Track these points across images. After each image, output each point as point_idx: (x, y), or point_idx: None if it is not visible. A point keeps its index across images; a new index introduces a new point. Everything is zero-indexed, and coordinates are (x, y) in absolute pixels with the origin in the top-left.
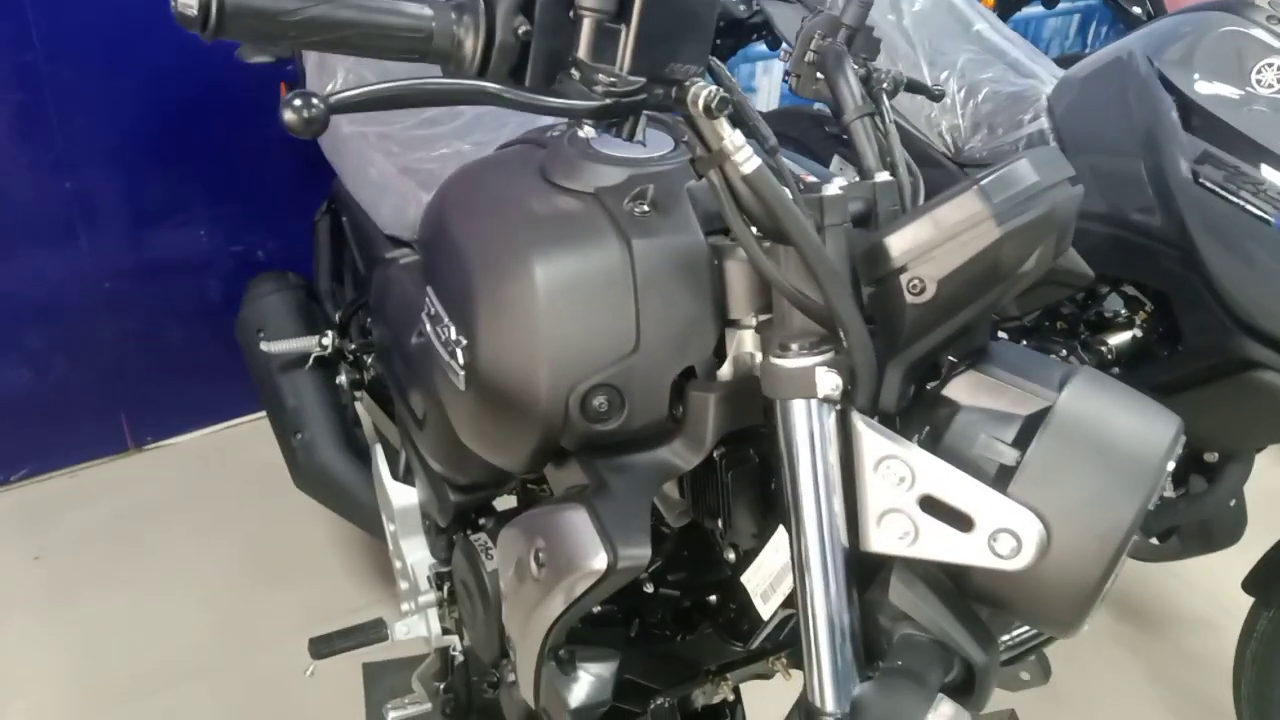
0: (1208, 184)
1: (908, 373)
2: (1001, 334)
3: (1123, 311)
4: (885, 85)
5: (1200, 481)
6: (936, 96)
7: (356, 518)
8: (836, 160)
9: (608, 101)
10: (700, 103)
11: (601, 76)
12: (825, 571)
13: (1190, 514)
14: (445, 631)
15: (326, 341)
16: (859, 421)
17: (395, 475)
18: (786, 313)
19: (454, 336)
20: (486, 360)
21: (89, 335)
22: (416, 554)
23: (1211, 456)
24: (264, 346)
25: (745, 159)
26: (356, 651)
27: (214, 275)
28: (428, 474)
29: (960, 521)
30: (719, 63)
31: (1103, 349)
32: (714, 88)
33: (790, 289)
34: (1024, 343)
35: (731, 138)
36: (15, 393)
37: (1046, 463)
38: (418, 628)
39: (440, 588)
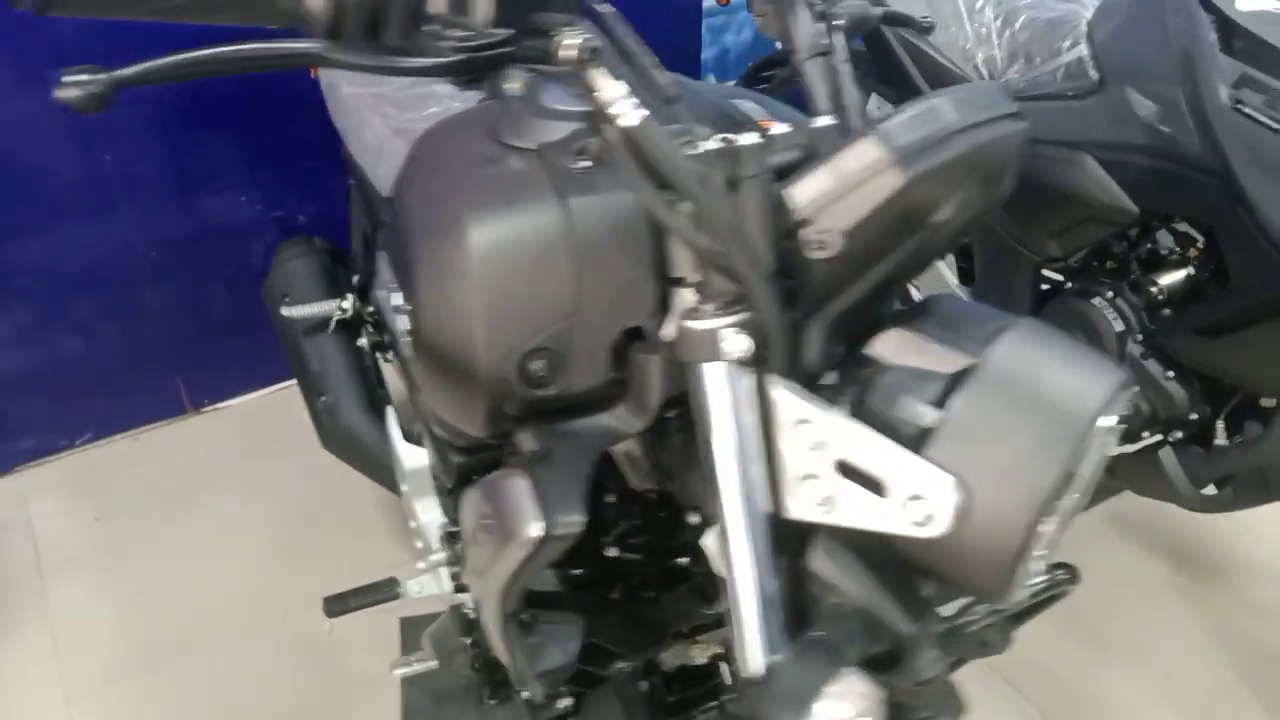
0: (1247, 110)
1: (832, 331)
2: (1050, 272)
3: (1175, 249)
4: (842, 23)
5: (1255, 427)
6: (926, 29)
7: (381, 478)
8: (874, 99)
9: (459, 57)
10: (567, 53)
11: (460, 31)
12: (746, 539)
13: (1245, 462)
14: (458, 590)
15: (346, 305)
16: (773, 385)
17: (409, 437)
18: (708, 272)
19: (400, 302)
20: (428, 326)
21: (140, 304)
22: (428, 514)
23: (1269, 402)
24: (284, 311)
25: (623, 111)
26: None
27: (257, 240)
28: (431, 436)
29: (876, 487)
30: (612, 9)
31: (1153, 289)
32: (584, 37)
33: (704, 244)
34: (1069, 284)
35: (610, 89)
36: (75, 361)
37: (966, 423)
38: (430, 586)
39: (451, 547)
